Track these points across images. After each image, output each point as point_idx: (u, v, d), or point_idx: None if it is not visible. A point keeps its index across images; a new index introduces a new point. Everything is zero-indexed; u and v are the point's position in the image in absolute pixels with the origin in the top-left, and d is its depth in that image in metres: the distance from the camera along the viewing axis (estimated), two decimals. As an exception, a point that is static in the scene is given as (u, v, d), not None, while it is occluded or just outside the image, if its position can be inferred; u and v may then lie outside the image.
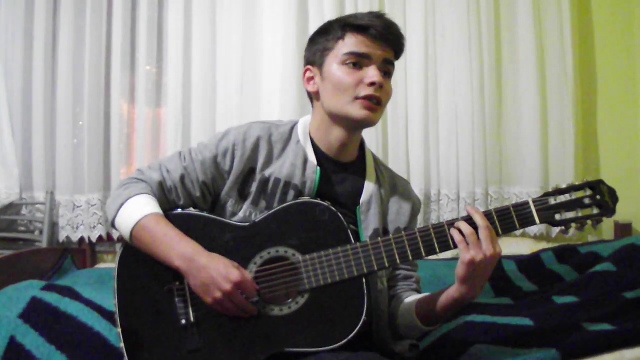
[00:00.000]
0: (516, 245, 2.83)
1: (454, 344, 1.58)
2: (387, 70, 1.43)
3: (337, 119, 1.44)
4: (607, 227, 3.06)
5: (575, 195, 1.35)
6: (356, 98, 1.39)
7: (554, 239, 3.07)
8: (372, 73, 1.38)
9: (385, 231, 1.50)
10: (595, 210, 1.35)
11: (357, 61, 1.39)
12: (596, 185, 1.36)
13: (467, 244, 1.28)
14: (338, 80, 1.40)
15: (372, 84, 1.38)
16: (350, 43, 1.40)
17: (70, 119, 2.99)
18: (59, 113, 2.98)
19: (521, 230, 3.02)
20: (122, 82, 3.02)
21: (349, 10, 2.97)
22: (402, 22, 3.00)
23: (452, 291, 1.34)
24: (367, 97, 1.38)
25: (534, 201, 1.34)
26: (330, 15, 2.85)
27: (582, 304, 1.88)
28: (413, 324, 1.42)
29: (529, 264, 2.48)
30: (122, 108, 3.05)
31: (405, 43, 1.46)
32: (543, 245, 2.83)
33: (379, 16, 1.41)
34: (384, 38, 1.40)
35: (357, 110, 1.39)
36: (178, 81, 2.99)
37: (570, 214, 1.35)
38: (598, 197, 1.35)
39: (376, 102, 1.40)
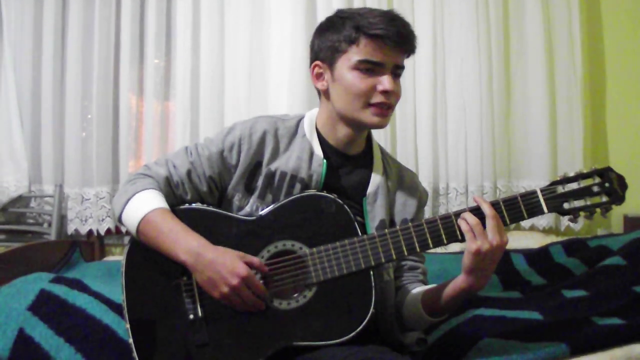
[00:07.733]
0: (525, 239, 2.81)
1: (462, 337, 1.58)
2: (397, 73, 1.42)
3: (346, 120, 1.44)
4: (616, 220, 3.04)
5: (584, 183, 1.33)
6: (369, 105, 1.39)
7: (563, 233, 3.05)
8: (385, 82, 1.37)
9: (392, 223, 1.50)
10: (604, 198, 1.34)
11: (371, 68, 1.37)
12: (605, 173, 1.34)
13: (474, 234, 1.27)
14: (350, 86, 1.38)
15: (385, 92, 1.37)
16: (364, 50, 1.37)
17: (79, 112, 3.01)
18: (68, 106, 2.99)
19: (530, 224, 3.02)
20: (130, 76, 3.03)
21: (357, 2, 2.96)
22: (410, 14, 2.98)
23: (459, 282, 1.33)
24: (379, 105, 1.38)
25: (541, 190, 1.33)
26: (338, 6, 2.83)
27: (591, 298, 1.87)
28: (419, 315, 1.41)
29: (538, 257, 2.46)
30: (131, 101, 3.06)
31: (417, 43, 1.44)
32: (552, 239, 2.81)
33: (393, 21, 1.37)
34: (398, 45, 1.38)
35: (369, 117, 1.39)
36: (186, 74, 2.99)
37: (579, 203, 1.33)
38: (607, 184, 1.33)
39: (387, 107, 1.40)
